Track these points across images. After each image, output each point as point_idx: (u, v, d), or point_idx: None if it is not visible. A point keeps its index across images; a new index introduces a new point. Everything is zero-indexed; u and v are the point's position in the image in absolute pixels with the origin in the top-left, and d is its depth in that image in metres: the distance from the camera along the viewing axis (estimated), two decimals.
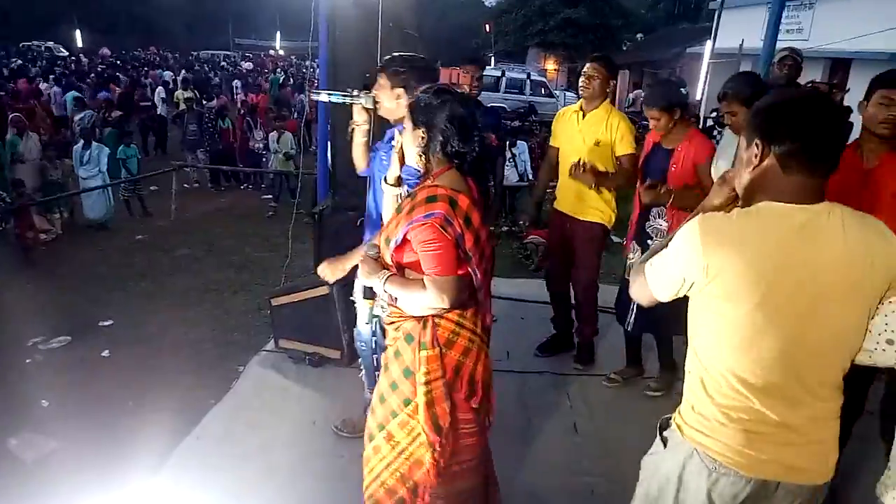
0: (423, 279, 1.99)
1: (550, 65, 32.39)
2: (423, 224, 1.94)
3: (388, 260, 2.07)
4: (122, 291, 6.29)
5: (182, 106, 13.44)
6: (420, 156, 2.07)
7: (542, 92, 22.08)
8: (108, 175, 9.11)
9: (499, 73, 21.56)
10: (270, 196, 10.01)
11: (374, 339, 2.81)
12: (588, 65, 3.58)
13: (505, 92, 21.28)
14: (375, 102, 2.62)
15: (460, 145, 2.02)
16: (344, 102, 2.67)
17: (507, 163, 8.71)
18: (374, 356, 2.86)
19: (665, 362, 3.72)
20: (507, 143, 8.42)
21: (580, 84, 3.66)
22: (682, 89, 3.56)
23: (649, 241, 3.48)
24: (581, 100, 3.75)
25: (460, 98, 2.08)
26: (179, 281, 6.61)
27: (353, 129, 2.76)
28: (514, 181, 9.12)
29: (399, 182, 2.24)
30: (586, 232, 3.74)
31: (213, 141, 11.26)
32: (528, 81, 21.69)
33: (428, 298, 1.99)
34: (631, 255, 3.57)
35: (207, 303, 5.99)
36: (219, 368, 4.52)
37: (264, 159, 11.25)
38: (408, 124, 2.09)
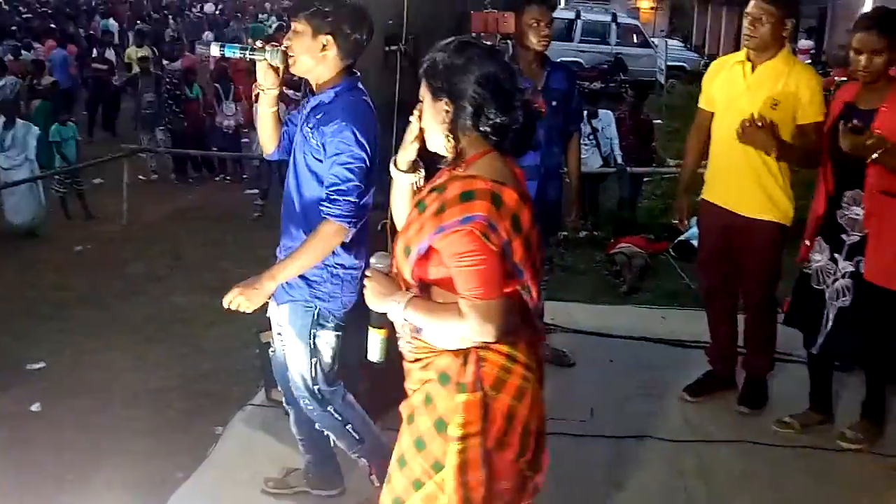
0: (458, 302, 2.03)
1: (645, 1, 32.28)
2: (458, 231, 1.98)
3: (407, 276, 2.11)
4: (58, 322, 6.48)
5: (135, 69, 13.85)
6: (447, 136, 2.09)
7: (634, 40, 22.08)
8: (38, 164, 9.42)
9: (572, 16, 21.59)
10: (256, 191, 10.21)
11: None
12: (752, 1, 3.67)
13: (581, 41, 21.31)
14: (287, 58, 2.75)
15: (499, 115, 2.05)
16: (245, 58, 2.82)
17: (586, 141, 8.71)
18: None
19: (872, 407, 3.75)
20: (586, 113, 8.42)
21: (744, 31, 3.73)
22: None
23: (843, 237, 3.53)
24: (745, 48, 3.80)
25: (489, 52, 2.11)
26: (134, 308, 6.78)
27: (256, 95, 2.90)
28: (597, 167, 9.12)
29: (415, 167, 2.28)
30: (758, 234, 3.79)
31: (177, 116, 11.56)
32: (613, 26, 21.68)
33: (467, 329, 2.04)
34: (817, 257, 3.62)
35: (173, 338, 6.13)
36: (189, 429, 4.61)
37: (247, 140, 11.49)
38: (425, 94, 2.13)
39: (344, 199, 2.70)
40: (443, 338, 2.12)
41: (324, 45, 2.71)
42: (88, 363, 5.66)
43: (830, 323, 3.60)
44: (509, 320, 2.06)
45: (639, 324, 4.98)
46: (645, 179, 9.98)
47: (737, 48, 3.77)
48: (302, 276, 2.86)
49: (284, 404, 3.27)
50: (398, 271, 2.16)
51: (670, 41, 22.09)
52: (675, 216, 4.36)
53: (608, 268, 7.66)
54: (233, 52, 2.85)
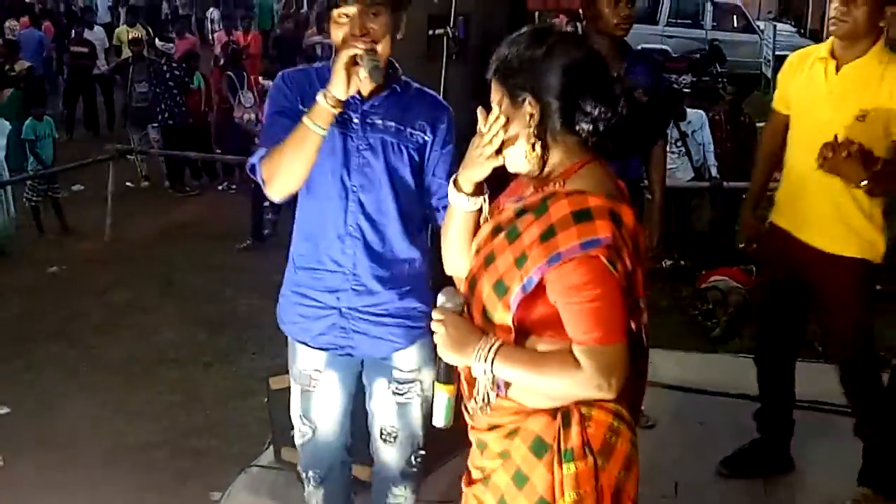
0: (568, 351, 2.04)
1: None
2: (580, 259, 1.98)
3: (501, 319, 2.09)
4: (24, 360, 6.56)
5: (125, 52, 14.10)
6: (533, 144, 2.09)
7: (735, 24, 21.93)
8: (7, 167, 9.58)
9: None
10: (267, 203, 10.28)
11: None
12: None
13: (668, 24, 21.26)
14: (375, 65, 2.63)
15: (598, 107, 2.06)
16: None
17: (673, 148, 8.66)
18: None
19: None
20: (674, 113, 8.36)
21: (832, 14, 3.63)
22: None
23: None
24: (831, 40, 3.72)
25: (572, 37, 2.14)
26: (116, 345, 6.84)
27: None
28: (686, 180, 9.05)
29: (481, 189, 2.27)
30: (837, 273, 3.71)
31: (175, 110, 11.73)
32: (709, 6, 21.59)
33: (582, 382, 2.02)
34: None
35: (161, 383, 6.17)
36: (179, 493, 4.62)
37: (258, 140, 11.58)
38: (500, 100, 2.12)
39: None
40: (539, 395, 2.11)
41: (398, 25, 2.75)
42: (59, 410, 5.71)
43: None
44: (627, 373, 2.05)
45: (735, 377, 4.88)
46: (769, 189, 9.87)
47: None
48: (422, 301, 2.91)
49: (303, 472, 3.22)
50: (476, 314, 2.14)
51: (779, 25, 21.96)
52: (742, 241, 4.33)
53: (698, 306, 7.56)
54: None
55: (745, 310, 7.42)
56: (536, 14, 11.17)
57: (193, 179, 12.01)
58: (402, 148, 2.80)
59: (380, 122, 2.78)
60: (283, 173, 2.68)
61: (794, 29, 24.73)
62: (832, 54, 3.65)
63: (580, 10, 3.89)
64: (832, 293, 3.73)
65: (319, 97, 2.60)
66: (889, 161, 3.51)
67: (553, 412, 2.09)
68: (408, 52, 3.72)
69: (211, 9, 23.21)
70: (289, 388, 3.50)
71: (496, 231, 2.14)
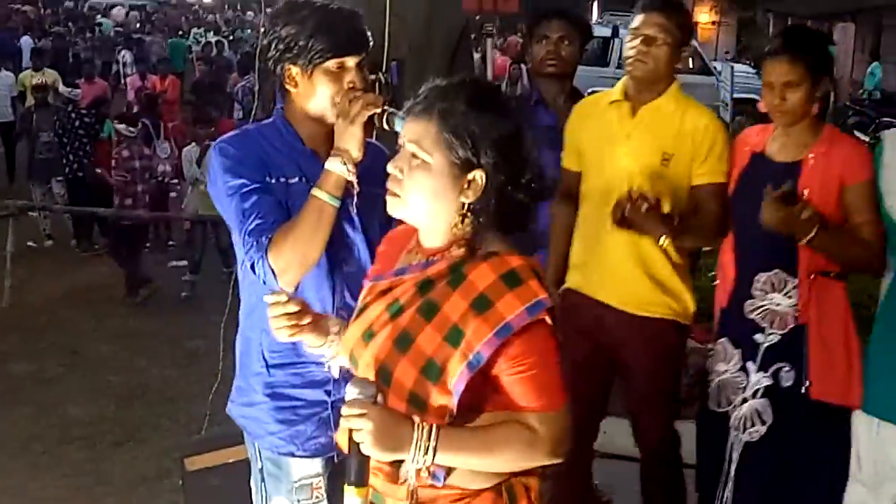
0: (514, 421, 2.06)
1: (703, 14, 32.93)
2: (529, 325, 2.02)
3: (430, 403, 2.07)
4: None
5: (29, 100, 13.97)
6: (463, 218, 2.12)
7: (690, 65, 22.31)
8: None
9: (608, 33, 21.95)
10: (184, 262, 10.26)
11: None
12: (640, 16, 3.55)
13: (619, 67, 21.55)
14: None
15: (530, 180, 2.16)
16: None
17: None
18: None
19: None
20: None
21: (629, 54, 3.60)
22: (830, 47, 3.54)
23: (758, 336, 3.44)
24: (623, 81, 3.71)
25: (510, 100, 2.27)
26: (15, 422, 6.70)
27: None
28: None
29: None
30: (646, 339, 3.64)
31: (84, 161, 11.63)
32: None
33: (537, 452, 2.07)
34: (721, 367, 3.53)
35: (66, 465, 6.04)
36: None
37: (174, 194, 11.52)
38: (431, 151, 2.11)
39: None
40: (482, 475, 2.12)
41: None
42: None
43: (734, 467, 3.50)
44: None
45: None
46: (705, 249, 9.99)
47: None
48: None
49: None
50: (398, 402, 2.08)
51: (737, 66, 22.42)
52: None
53: None
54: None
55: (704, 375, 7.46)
56: (473, 32, 11.30)
57: (102, 237, 11.87)
58: (375, 211, 2.66)
59: (363, 186, 2.68)
60: (301, 259, 2.56)
61: (753, 70, 25.24)
62: (626, 96, 3.66)
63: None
64: (642, 361, 3.67)
65: (333, 164, 2.54)
66: (687, 213, 3.54)
67: (497, 489, 2.12)
68: None
69: (123, 52, 23.12)
70: (206, 469, 3.45)
71: (395, 310, 2.14)
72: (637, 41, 3.54)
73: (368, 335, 2.17)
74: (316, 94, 2.66)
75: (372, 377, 2.10)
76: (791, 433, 3.43)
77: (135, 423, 6.62)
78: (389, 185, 2.16)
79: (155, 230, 11.68)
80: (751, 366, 3.48)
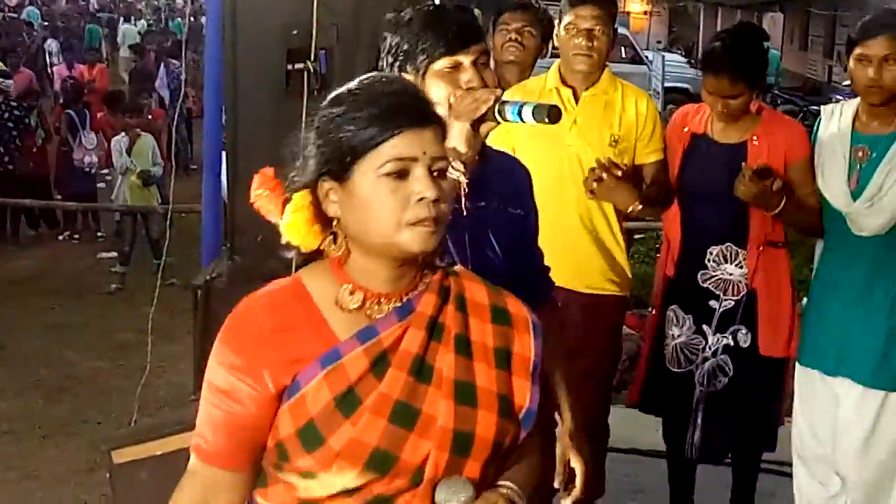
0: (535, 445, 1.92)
1: (635, 4, 33.18)
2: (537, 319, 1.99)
3: (509, 441, 1.82)
4: None
5: None
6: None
7: (623, 55, 22.52)
8: None
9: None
10: (115, 254, 10.15)
11: None
12: (574, 10, 3.61)
13: (553, 56, 21.61)
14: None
15: None
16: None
17: None
18: None
19: None
20: None
21: (576, 51, 3.62)
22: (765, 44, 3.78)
23: (712, 303, 3.74)
24: (555, 68, 3.79)
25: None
26: None
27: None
28: None
29: None
30: (601, 314, 3.75)
31: (15, 154, 11.44)
32: None
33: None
34: (675, 332, 3.80)
35: None
36: None
37: (103, 185, 11.37)
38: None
39: None
40: None
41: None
42: None
43: (701, 417, 3.80)
44: None
45: (631, 432, 4.96)
46: (637, 237, 10.09)
47: None
48: None
49: None
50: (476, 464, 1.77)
51: (669, 55, 22.67)
52: None
53: None
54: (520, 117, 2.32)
55: (636, 358, 7.54)
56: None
57: (30, 229, 11.71)
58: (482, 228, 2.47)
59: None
60: None
61: (684, 59, 25.58)
62: (564, 82, 3.75)
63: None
64: (598, 334, 3.75)
65: None
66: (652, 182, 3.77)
67: None
68: (264, 89, 3.75)
69: (49, 40, 22.74)
70: (134, 461, 3.42)
71: (420, 368, 1.73)
72: (580, 38, 3.61)
73: (409, 416, 1.70)
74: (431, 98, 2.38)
75: (435, 464, 1.71)
76: (747, 382, 3.76)
77: (64, 417, 6.54)
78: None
79: (85, 221, 11.54)
80: (707, 329, 3.75)
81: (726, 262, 3.67)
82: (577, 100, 3.72)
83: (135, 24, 27.67)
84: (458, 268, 1.91)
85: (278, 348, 1.71)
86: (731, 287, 3.69)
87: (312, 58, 3.59)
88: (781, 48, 25.55)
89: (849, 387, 3.51)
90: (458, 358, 1.76)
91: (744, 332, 3.73)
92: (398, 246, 1.69)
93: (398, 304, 1.77)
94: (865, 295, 3.46)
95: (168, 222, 6.47)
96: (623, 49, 22.56)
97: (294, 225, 1.77)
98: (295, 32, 3.57)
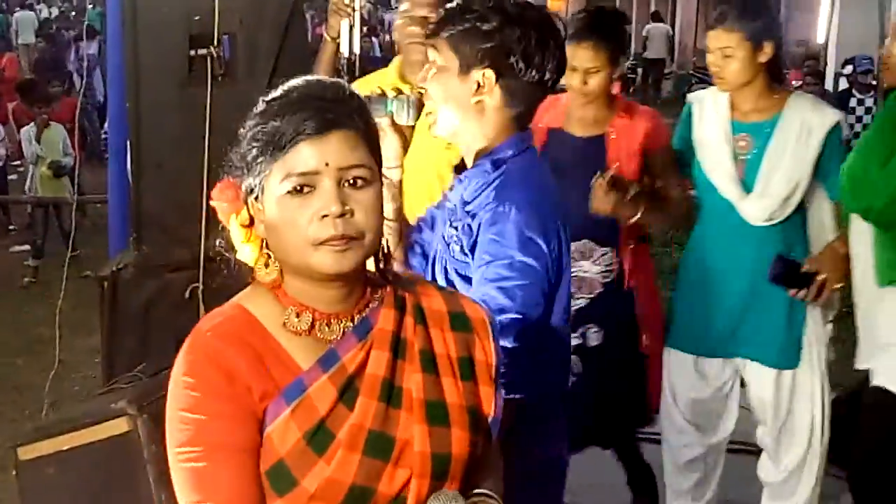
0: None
1: None
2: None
3: (479, 452, 1.75)
4: None
5: None
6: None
7: None
8: None
9: None
10: (27, 247, 9.98)
11: None
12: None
13: None
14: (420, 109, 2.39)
15: None
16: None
17: None
18: None
19: (640, 483, 4.07)
20: None
21: (405, 36, 3.34)
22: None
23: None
24: (398, 64, 3.47)
25: None
26: None
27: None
28: None
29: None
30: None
31: None
32: None
33: None
34: None
35: None
36: None
37: (14, 177, 11.19)
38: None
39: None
40: None
41: (478, 86, 2.29)
42: None
43: None
44: None
45: None
46: None
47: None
48: None
49: None
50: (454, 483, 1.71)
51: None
52: None
53: None
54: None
55: None
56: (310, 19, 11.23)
57: None
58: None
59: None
60: None
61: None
62: (403, 80, 3.42)
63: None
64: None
65: None
66: None
67: None
68: (167, 75, 3.71)
69: None
70: (41, 457, 3.38)
71: (389, 392, 1.62)
72: (417, 26, 3.28)
73: (384, 446, 1.60)
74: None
75: (417, 492, 1.63)
76: (597, 382, 3.64)
77: None
78: None
79: None
80: None
81: (583, 259, 3.58)
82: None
83: (48, 11, 27.19)
84: (409, 274, 1.88)
85: (246, 384, 1.56)
86: (585, 285, 3.61)
87: (215, 43, 3.56)
88: (696, 27, 25.90)
89: (756, 370, 3.59)
90: (425, 376, 1.65)
91: (594, 330, 3.66)
92: (312, 267, 1.57)
93: (354, 323, 1.66)
94: (758, 281, 3.46)
95: (73, 213, 6.41)
96: None
97: (242, 244, 1.68)
98: (197, 17, 3.54)
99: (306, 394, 1.55)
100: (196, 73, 3.58)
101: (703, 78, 19.60)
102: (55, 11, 27.48)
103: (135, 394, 3.35)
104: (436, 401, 1.64)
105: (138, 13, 3.74)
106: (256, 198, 1.59)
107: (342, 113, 1.57)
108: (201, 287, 3.54)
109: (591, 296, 3.62)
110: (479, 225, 2.24)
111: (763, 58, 3.38)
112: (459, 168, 2.41)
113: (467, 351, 1.72)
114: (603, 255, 3.60)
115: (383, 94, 2.37)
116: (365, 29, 4.04)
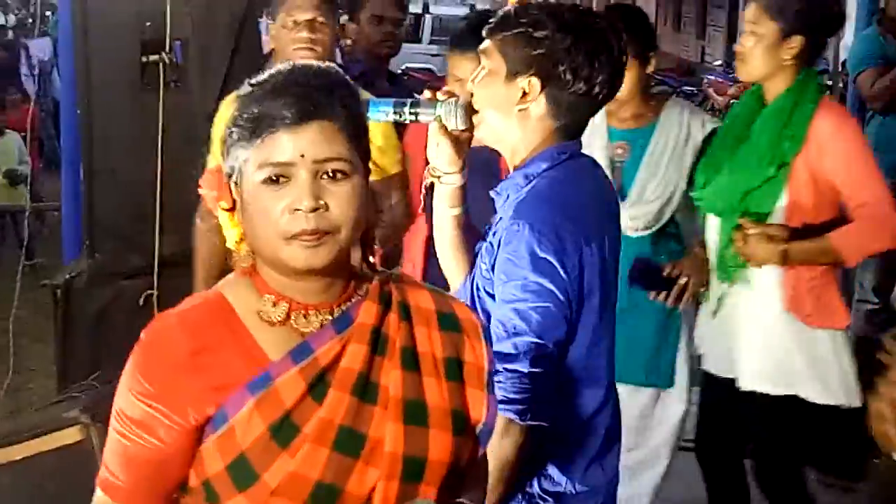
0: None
1: None
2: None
3: (465, 460, 1.69)
4: None
5: None
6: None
7: None
8: None
9: (418, 10, 22.03)
10: None
11: None
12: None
13: (432, 42, 21.66)
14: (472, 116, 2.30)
15: None
16: (402, 120, 2.32)
17: None
18: None
19: None
20: None
21: (299, 39, 3.20)
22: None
23: None
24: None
25: None
26: None
27: (427, 185, 2.43)
28: None
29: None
30: None
31: None
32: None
33: None
34: None
35: None
36: None
37: None
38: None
39: (507, 370, 2.09)
40: None
41: (523, 94, 2.23)
42: None
43: None
44: None
45: None
46: None
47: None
48: None
49: None
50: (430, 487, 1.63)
51: None
52: None
53: None
54: (382, 115, 2.25)
55: None
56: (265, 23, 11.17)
57: None
58: None
59: None
60: None
61: None
62: None
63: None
64: None
65: None
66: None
67: None
68: (119, 81, 3.70)
69: None
70: None
71: (364, 389, 1.56)
72: (300, 30, 3.22)
73: (354, 443, 1.53)
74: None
75: (384, 495, 1.55)
76: None
77: None
78: None
79: None
80: None
81: None
82: None
83: (5, 18, 26.95)
84: (398, 272, 1.78)
85: (199, 374, 1.50)
86: None
87: (167, 49, 3.55)
88: (655, 28, 26.07)
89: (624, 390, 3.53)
90: (405, 373, 1.58)
91: None
92: (283, 261, 1.51)
93: (334, 316, 1.59)
94: (632, 295, 3.32)
95: (27, 221, 6.34)
96: None
97: (227, 230, 1.62)
98: (149, 23, 3.54)
99: (273, 386, 1.49)
100: (148, 79, 3.57)
101: (661, 79, 19.73)
102: (12, 19, 27.24)
103: (88, 402, 3.34)
104: (415, 400, 1.58)
105: (89, 18, 3.73)
106: (236, 183, 1.54)
107: (324, 102, 1.51)
108: (156, 294, 3.53)
109: None
110: (499, 242, 2.17)
111: None
112: None
113: (455, 352, 1.64)
114: None
115: (433, 98, 2.28)
116: None
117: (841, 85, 8.44)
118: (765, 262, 3.20)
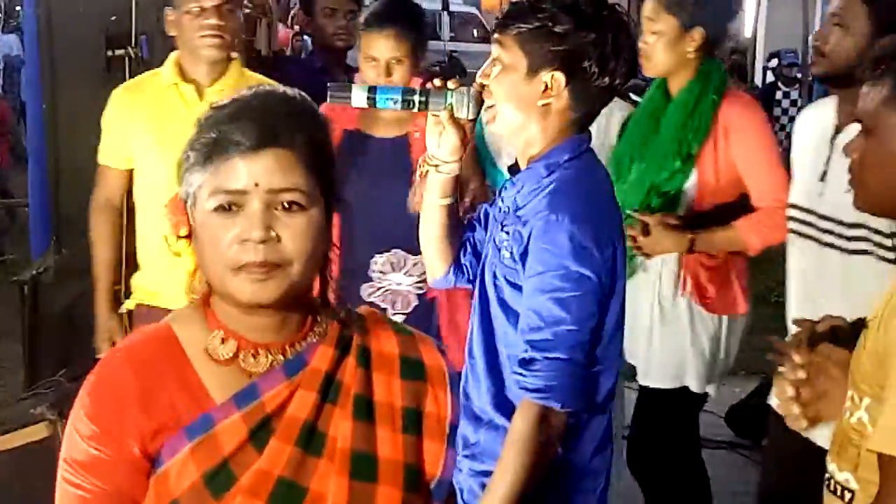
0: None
1: None
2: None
3: None
4: None
5: None
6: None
7: (474, 34, 22.67)
8: None
9: (438, 6, 21.96)
10: None
11: None
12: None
13: (451, 40, 21.58)
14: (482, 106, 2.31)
15: None
16: (412, 109, 2.34)
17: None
18: None
19: None
20: None
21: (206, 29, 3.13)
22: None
23: None
24: (174, 61, 3.27)
25: None
26: None
27: (423, 173, 2.41)
28: None
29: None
30: None
31: None
32: (444, 16, 22.19)
33: None
34: None
35: None
36: None
37: None
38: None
39: (547, 358, 2.14)
40: None
41: (546, 88, 2.22)
42: None
43: None
44: None
45: None
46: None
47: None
48: None
49: None
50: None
51: None
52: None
53: None
54: (390, 103, 2.26)
55: None
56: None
57: None
58: None
59: None
60: None
61: None
62: (184, 78, 3.28)
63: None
64: None
65: None
66: None
67: None
68: (84, 76, 3.69)
69: None
70: None
71: (309, 439, 1.47)
72: (207, 17, 3.15)
73: (292, 497, 1.45)
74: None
75: None
76: None
77: None
78: None
79: None
80: None
81: (394, 270, 3.28)
82: (201, 97, 3.21)
83: None
84: (364, 310, 1.66)
85: (143, 413, 1.43)
86: (400, 300, 3.31)
87: (133, 43, 3.54)
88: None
89: None
90: (356, 424, 1.49)
91: None
92: (230, 294, 1.44)
93: (286, 357, 1.50)
94: None
95: None
96: (474, 29, 22.75)
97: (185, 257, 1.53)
98: (114, 17, 3.52)
99: (213, 431, 1.42)
100: (114, 73, 3.56)
101: None
102: None
103: (56, 399, 3.33)
104: (364, 452, 1.49)
105: (53, 13, 3.74)
106: (191, 209, 1.46)
107: (283, 129, 1.43)
108: (123, 289, 3.50)
109: (409, 311, 3.31)
110: (531, 232, 2.17)
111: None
112: (513, 169, 2.38)
113: (416, 401, 1.56)
114: (415, 265, 3.24)
115: (443, 87, 2.26)
116: (297, 28, 4.04)
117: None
118: (671, 252, 3.23)
